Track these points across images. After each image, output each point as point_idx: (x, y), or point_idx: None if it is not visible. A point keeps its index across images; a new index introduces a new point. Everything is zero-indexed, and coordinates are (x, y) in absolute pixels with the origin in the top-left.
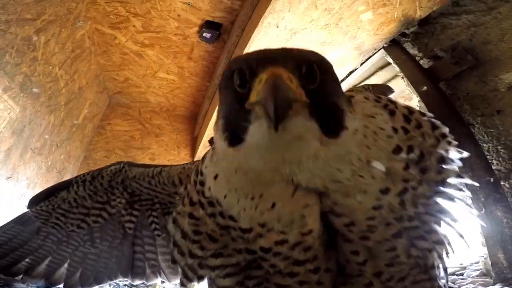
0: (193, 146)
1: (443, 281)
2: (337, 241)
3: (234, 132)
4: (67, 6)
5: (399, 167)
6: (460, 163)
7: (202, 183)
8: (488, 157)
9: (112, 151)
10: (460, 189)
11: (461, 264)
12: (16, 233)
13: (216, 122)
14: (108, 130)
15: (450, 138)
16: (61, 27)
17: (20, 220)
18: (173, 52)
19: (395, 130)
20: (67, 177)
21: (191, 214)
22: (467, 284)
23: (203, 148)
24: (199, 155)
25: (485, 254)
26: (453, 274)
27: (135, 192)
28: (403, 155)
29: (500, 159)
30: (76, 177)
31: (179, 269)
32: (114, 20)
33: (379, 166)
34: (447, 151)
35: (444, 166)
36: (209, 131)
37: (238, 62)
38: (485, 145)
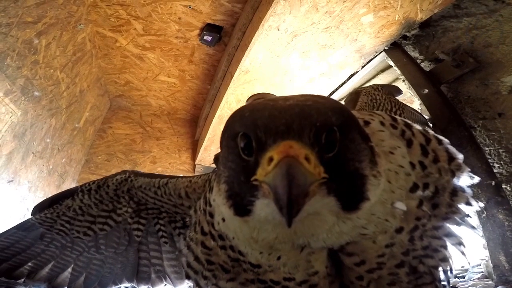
0: (194, 149)
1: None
2: (342, 270)
3: (238, 203)
4: (68, 9)
5: (413, 205)
6: (470, 192)
7: (212, 215)
8: (489, 160)
9: (113, 155)
10: (468, 215)
11: (462, 266)
12: (19, 238)
13: (218, 181)
14: (109, 133)
15: (464, 167)
16: (62, 30)
17: (23, 226)
18: (174, 55)
19: (412, 166)
20: (68, 180)
21: (203, 244)
22: (468, 286)
23: (204, 151)
24: (200, 158)
25: (486, 256)
26: (454, 276)
27: (141, 201)
28: (419, 192)
29: (501, 162)
30: (81, 185)
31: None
32: (115, 23)
33: (401, 206)
34: (459, 179)
35: (455, 197)
36: (210, 135)
37: (243, 125)
38: (486, 148)
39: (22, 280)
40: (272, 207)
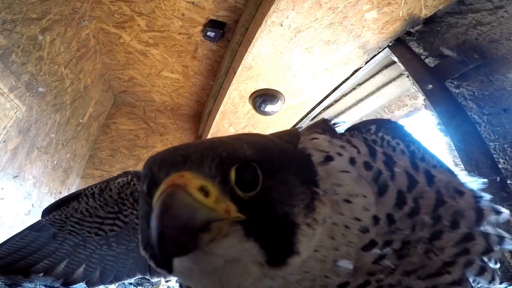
0: None
1: None
2: None
3: (152, 255)
4: (72, 6)
5: (368, 261)
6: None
7: None
8: (494, 155)
9: (117, 150)
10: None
11: None
12: (33, 238)
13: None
14: (113, 129)
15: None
16: (67, 27)
17: (35, 227)
18: (177, 51)
19: (376, 220)
20: (72, 176)
21: None
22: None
23: None
24: None
25: None
26: None
27: None
28: (375, 250)
29: (506, 157)
30: (84, 189)
31: None
32: (119, 19)
33: (346, 265)
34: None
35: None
36: (213, 130)
37: (145, 165)
38: (491, 143)
39: (40, 275)
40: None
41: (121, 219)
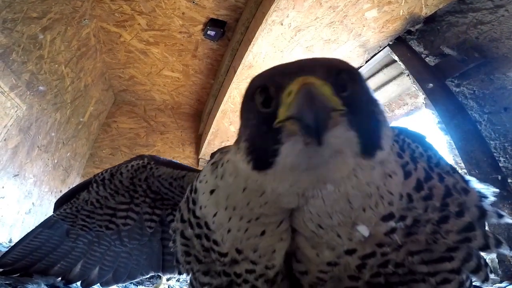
0: (198, 143)
1: None
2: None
3: (260, 156)
4: (72, 5)
5: (380, 231)
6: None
7: (194, 202)
8: (495, 154)
9: (117, 149)
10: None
11: None
12: (47, 237)
13: (237, 143)
14: (113, 127)
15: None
16: (67, 26)
17: (47, 224)
18: (177, 50)
19: (400, 196)
20: (73, 174)
21: (182, 233)
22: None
23: (207, 145)
24: (203, 152)
25: None
26: None
27: (157, 191)
28: (391, 223)
29: (507, 156)
30: (94, 175)
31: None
32: (119, 18)
33: (363, 231)
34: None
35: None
36: (214, 129)
37: (260, 79)
38: (492, 142)
39: (59, 279)
40: (298, 145)
41: (135, 210)
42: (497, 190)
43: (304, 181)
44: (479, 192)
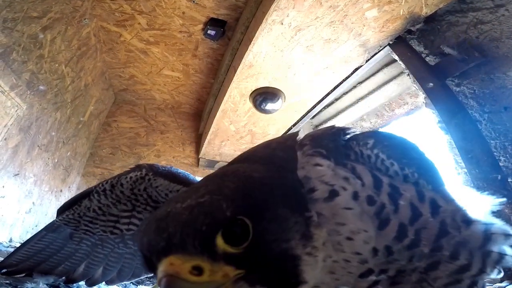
0: (198, 143)
1: None
2: None
3: None
4: (73, 4)
5: (362, 286)
6: None
7: None
8: (495, 153)
9: (118, 148)
10: None
11: None
12: (51, 239)
13: None
14: (113, 127)
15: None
16: (67, 25)
17: (50, 228)
18: (178, 50)
19: (375, 252)
20: (73, 174)
21: None
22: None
23: (207, 145)
24: (203, 152)
25: None
26: None
27: (156, 200)
28: (371, 277)
29: (507, 155)
30: (95, 186)
31: None
32: (119, 17)
33: None
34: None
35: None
36: (214, 128)
37: (137, 243)
38: (492, 141)
39: (63, 278)
40: None
41: (137, 217)
42: (505, 199)
43: None
44: (482, 221)
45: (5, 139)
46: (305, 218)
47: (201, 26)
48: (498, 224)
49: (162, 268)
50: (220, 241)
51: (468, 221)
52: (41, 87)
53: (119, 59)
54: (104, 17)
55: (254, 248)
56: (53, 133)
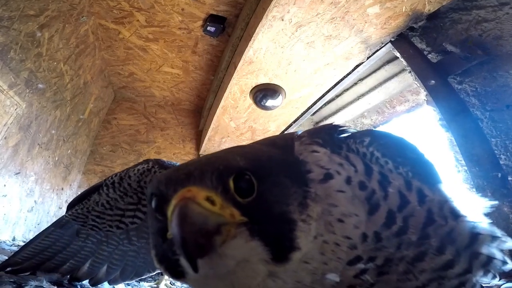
0: (198, 139)
1: None
2: None
3: (170, 266)
4: (70, 2)
5: (350, 275)
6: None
7: None
8: (496, 151)
9: (118, 145)
10: None
11: None
12: (58, 236)
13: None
14: (114, 124)
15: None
16: (65, 23)
17: (58, 223)
18: (177, 46)
19: (364, 237)
20: (74, 172)
21: None
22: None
23: (208, 141)
24: (204, 148)
25: None
26: None
27: None
28: (359, 265)
29: (508, 154)
30: (105, 179)
31: None
32: (118, 15)
33: (333, 277)
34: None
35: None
36: (214, 125)
37: (152, 186)
38: (493, 139)
39: (67, 277)
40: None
41: (142, 210)
42: (496, 202)
43: (224, 286)
44: (470, 217)
45: (5, 138)
46: (303, 191)
47: (200, 22)
48: (486, 224)
49: (179, 194)
50: (231, 185)
51: (455, 214)
52: (40, 85)
53: (118, 57)
54: (102, 15)
55: (258, 203)
56: (53, 131)
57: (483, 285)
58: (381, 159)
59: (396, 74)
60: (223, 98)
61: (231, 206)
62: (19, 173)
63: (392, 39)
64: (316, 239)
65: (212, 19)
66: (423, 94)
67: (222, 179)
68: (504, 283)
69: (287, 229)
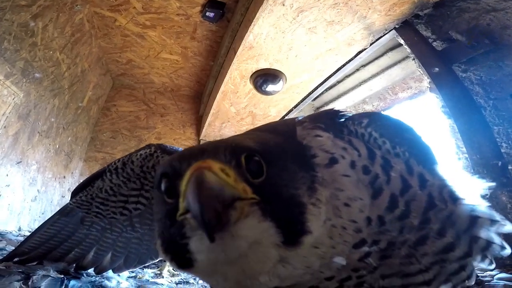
0: (198, 125)
1: None
2: None
3: (177, 254)
4: None
5: (354, 258)
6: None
7: None
8: (497, 139)
9: (118, 132)
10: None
11: None
12: (63, 225)
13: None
14: (113, 111)
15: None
16: (59, 12)
17: (63, 211)
18: (175, 33)
19: (368, 221)
20: (75, 159)
21: None
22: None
23: (208, 126)
24: (204, 133)
25: None
26: None
27: None
28: (364, 248)
29: (510, 142)
30: (108, 165)
31: None
32: (114, 2)
33: (340, 261)
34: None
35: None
36: (214, 110)
37: (162, 165)
38: (495, 127)
39: (73, 266)
40: (206, 241)
41: (144, 196)
42: (493, 184)
43: (233, 272)
44: (468, 199)
45: (4, 127)
46: (310, 175)
47: (199, 8)
48: (485, 208)
49: (194, 165)
50: (243, 161)
51: (454, 198)
52: (37, 75)
53: (115, 44)
54: (97, 3)
55: (268, 185)
56: (53, 119)
57: (479, 274)
58: (379, 139)
59: (399, 61)
60: (223, 84)
61: (244, 183)
62: (20, 162)
63: (397, 26)
64: (325, 223)
65: (211, 4)
66: (426, 81)
67: (235, 155)
68: (498, 273)
69: (297, 212)
